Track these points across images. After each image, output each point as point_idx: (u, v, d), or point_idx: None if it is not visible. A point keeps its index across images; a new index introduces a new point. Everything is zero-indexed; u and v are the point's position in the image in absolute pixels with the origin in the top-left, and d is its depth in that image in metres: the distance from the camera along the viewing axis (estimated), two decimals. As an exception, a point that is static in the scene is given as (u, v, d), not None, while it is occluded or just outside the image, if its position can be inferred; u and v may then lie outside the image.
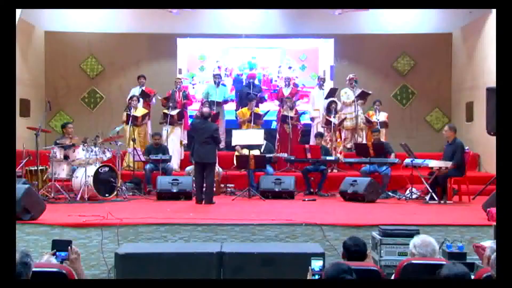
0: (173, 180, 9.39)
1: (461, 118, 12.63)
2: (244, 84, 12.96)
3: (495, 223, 5.60)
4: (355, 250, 4.28)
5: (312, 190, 10.01)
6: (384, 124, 11.46)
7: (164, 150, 10.39)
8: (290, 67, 13.67)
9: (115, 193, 9.17)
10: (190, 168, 10.01)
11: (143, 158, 10.23)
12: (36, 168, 9.11)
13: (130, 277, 5.25)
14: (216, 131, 8.94)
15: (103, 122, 12.84)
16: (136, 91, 11.86)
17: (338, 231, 6.52)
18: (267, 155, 10.46)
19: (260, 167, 10.12)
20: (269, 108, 12.32)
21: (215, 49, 13.78)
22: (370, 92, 11.81)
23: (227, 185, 10.30)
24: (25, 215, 6.58)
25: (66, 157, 9.29)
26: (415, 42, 13.37)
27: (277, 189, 9.53)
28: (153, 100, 12.01)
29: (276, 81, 13.67)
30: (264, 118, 11.82)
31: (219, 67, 13.58)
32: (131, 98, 11.34)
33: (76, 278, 3.70)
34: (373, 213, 7.83)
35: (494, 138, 8.72)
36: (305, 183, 10.08)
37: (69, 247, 3.82)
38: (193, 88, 13.58)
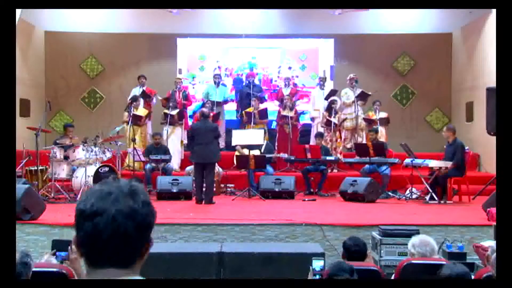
0: (173, 180, 9.39)
1: (461, 118, 12.63)
2: (244, 84, 12.96)
3: (495, 223, 5.60)
4: (355, 250, 4.28)
5: (312, 190, 10.01)
6: (384, 121, 11.44)
7: (164, 150, 10.39)
8: (290, 67, 13.66)
9: (115, 193, 9.14)
10: (190, 168, 10.00)
11: (143, 158, 10.23)
12: (36, 168, 9.10)
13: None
14: (216, 129, 8.97)
15: (103, 122, 12.83)
16: (136, 91, 11.85)
17: (338, 231, 6.52)
18: (267, 155, 10.46)
19: (260, 167, 10.12)
20: (267, 106, 12.27)
21: (215, 49, 13.77)
22: (370, 93, 11.80)
23: (227, 185, 10.30)
24: (25, 215, 6.58)
25: (66, 157, 9.29)
26: (415, 42, 13.36)
27: (277, 189, 9.53)
28: (154, 100, 12.01)
29: (276, 81, 13.67)
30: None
31: (219, 67, 13.58)
32: (133, 99, 11.30)
33: (76, 278, 3.70)
34: (373, 213, 7.83)
35: (494, 138, 8.71)
36: (305, 183, 10.07)
37: (69, 247, 3.81)
38: (193, 88, 13.58)
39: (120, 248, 1.46)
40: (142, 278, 1.54)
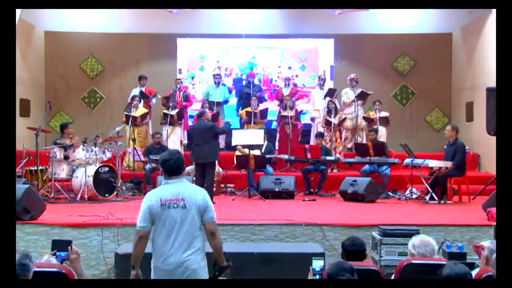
0: (173, 180, 9.36)
1: (461, 118, 12.63)
2: (244, 84, 12.96)
3: (495, 223, 5.60)
4: (352, 250, 4.28)
5: (312, 190, 10.00)
6: (384, 120, 11.44)
7: (164, 150, 10.36)
8: (290, 67, 13.66)
9: (115, 193, 9.16)
10: (190, 168, 10.01)
11: (143, 158, 10.23)
12: (36, 168, 9.10)
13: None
14: (212, 128, 8.88)
15: (103, 122, 12.85)
16: (136, 91, 11.85)
17: (338, 231, 6.52)
18: (267, 155, 10.45)
19: (260, 167, 10.11)
20: (268, 106, 12.26)
21: (215, 49, 13.77)
22: (370, 92, 11.80)
23: (227, 185, 10.30)
24: (25, 215, 6.58)
25: (66, 157, 9.29)
26: (415, 42, 13.36)
27: (277, 189, 9.53)
28: (153, 100, 12.00)
29: (276, 81, 13.67)
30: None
31: (219, 67, 13.58)
32: (132, 98, 11.32)
33: (76, 278, 3.70)
34: (373, 213, 7.83)
35: (494, 138, 8.71)
36: (305, 183, 10.07)
37: (69, 247, 3.81)
38: (193, 88, 13.59)
39: (176, 169, 4.12)
40: (186, 180, 4.19)
